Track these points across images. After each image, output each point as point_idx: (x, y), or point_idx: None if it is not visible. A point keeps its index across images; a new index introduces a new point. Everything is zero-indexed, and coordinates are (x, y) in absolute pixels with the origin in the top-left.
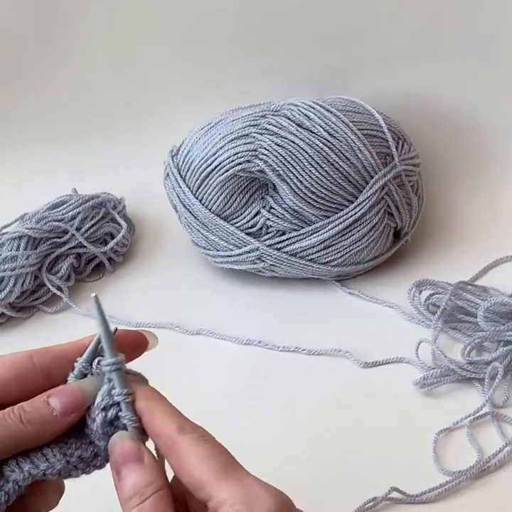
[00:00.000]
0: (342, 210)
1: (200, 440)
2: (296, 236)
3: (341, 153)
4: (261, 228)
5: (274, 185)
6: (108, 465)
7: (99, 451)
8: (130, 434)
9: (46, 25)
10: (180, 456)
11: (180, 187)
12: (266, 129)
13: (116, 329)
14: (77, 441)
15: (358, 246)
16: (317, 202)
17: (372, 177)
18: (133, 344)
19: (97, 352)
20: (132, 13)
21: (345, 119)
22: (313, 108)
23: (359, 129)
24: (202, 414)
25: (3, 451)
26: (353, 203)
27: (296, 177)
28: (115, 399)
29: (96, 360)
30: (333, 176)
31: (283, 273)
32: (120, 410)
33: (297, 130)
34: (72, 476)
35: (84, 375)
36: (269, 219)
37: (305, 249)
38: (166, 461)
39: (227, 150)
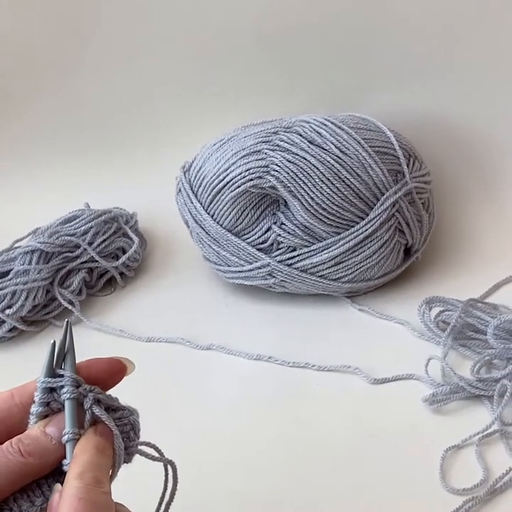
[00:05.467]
0: (353, 226)
1: (83, 489)
2: (307, 252)
3: (352, 170)
4: (272, 244)
5: (286, 202)
6: None
7: None
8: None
9: (60, 39)
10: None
11: (192, 202)
12: (278, 145)
13: (54, 343)
14: None
15: (369, 262)
16: (328, 218)
17: (383, 194)
18: (110, 371)
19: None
20: (147, 28)
21: (356, 137)
22: (324, 125)
23: (370, 146)
24: (211, 429)
25: (6, 488)
26: (363, 219)
27: (308, 193)
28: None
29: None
30: (345, 192)
31: (293, 289)
32: None
33: (309, 147)
34: None
35: (47, 404)
36: (280, 235)
37: (316, 266)
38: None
39: (239, 166)
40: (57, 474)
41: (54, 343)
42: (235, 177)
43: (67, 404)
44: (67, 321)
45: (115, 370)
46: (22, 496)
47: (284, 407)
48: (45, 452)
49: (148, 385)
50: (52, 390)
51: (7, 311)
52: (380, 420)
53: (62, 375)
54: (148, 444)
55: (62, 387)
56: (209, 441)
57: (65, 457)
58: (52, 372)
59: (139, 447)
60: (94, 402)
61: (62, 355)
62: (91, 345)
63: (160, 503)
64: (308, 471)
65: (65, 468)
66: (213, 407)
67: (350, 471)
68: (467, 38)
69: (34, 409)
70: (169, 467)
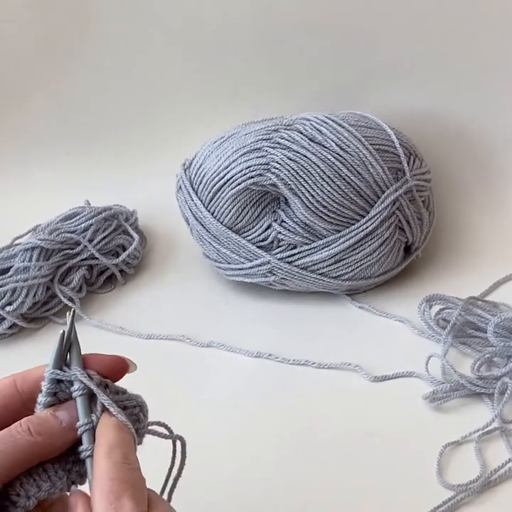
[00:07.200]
0: (353, 224)
1: (112, 468)
2: (307, 250)
3: (353, 167)
4: (272, 242)
5: (286, 199)
6: None
7: None
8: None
9: (59, 39)
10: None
11: (193, 200)
12: (278, 143)
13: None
14: (75, 456)
15: (369, 260)
16: (328, 216)
17: (383, 192)
18: (112, 368)
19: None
20: (146, 26)
21: (357, 134)
22: (325, 123)
23: (371, 144)
24: (211, 426)
25: (13, 467)
26: (364, 217)
27: (308, 191)
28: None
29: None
30: (345, 190)
31: (294, 286)
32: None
33: (309, 144)
34: (66, 490)
35: (54, 394)
36: (280, 232)
37: (316, 263)
38: None
39: (240, 163)
40: (64, 461)
41: (63, 333)
42: (236, 174)
43: (79, 400)
44: (73, 311)
45: (117, 368)
46: (28, 481)
47: (284, 405)
48: (54, 433)
49: (148, 382)
50: (59, 381)
51: (7, 308)
52: (380, 418)
53: (69, 367)
54: (157, 423)
55: (70, 381)
56: (208, 439)
57: (73, 443)
58: (60, 363)
59: (149, 427)
60: (103, 388)
61: (68, 345)
62: (91, 342)
63: (167, 480)
64: (309, 468)
65: (83, 454)
66: (213, 404)
67: (350, 468)
68: (468, 36)
69: (42, 398)
70: (178, 443)
